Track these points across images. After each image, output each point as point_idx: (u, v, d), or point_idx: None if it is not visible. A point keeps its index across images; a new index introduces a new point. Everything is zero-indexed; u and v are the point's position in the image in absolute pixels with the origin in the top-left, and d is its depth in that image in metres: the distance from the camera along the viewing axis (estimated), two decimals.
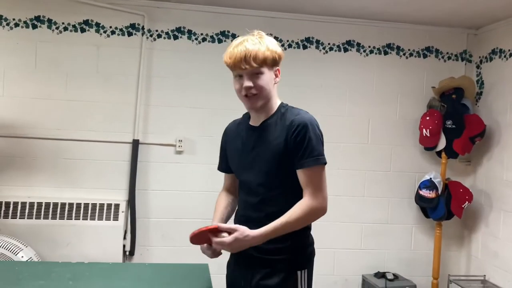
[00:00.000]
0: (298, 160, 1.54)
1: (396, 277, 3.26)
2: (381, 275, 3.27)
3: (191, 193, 3.21)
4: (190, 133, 3.21)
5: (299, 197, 1.56)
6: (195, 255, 3.03)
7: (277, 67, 1.61)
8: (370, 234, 3.41)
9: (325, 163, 1.56)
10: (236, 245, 1.47)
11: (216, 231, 1.50)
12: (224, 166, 1.82)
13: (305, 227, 1.59)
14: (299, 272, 1.58)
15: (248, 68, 1.52)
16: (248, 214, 1.63)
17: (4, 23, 3.01)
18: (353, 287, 3.37)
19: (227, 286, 1.75)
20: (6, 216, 2.90)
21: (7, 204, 2.92)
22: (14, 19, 3.02)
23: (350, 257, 3.34)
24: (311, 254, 1.65)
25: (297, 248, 1.59)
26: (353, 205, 3.37)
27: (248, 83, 1.54)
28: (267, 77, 1.56)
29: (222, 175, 3.35)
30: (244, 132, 1.69)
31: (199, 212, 3.19)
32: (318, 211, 1.54)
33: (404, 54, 3.45)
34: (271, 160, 1.56)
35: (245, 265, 1.62)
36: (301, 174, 1.54)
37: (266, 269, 1.57)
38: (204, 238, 1.53)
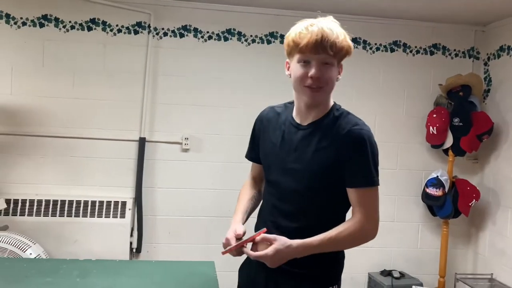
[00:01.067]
0: (351, 177, 1.37)
1: (402, 275, 3.25)
2: (387, 273, 3.26)
3: (198, 190, 3.22)
4: (196, 131, 3.22)
5: (336, 215, 1.43)
6: (202, 252, 3.07)
7: (341, 63, 1.43)
8: (379, 232, 3.39)
9: (378, 184, 1.40)
10: (278, 257, 1.31)
11: (252, 240, 1.36)
12: (253, 155, 1.61)
13: None
14: None
15: (321, 54, 1.32)
16: (277, 221, 1.44)
17: (12, 22, 3.03)
18: (359, 285, 3.38)
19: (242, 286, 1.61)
20: (14, 213, 2.93)
21: (16, 201, 2.95)
22: (21, 18, 3.04)
23: (356, 255, 3.29)
24: (340, 269, 1.51)
25: (329, 263, 1.44)
26: None
27: (317, 72, 1.33)
28: (335, 70, 1.39)
29: (228, 173, 3.37)
30: (286, 126, 1.47)
31: (206, 209, 3.21)
32: (369, 235, 1.39)
33: (410, 51, 3.43)
34: (315, 169, 1.38)
35: (267, 272, 1.43)
36: (353, 193, 1.38)
37: (293, 282, 1.42)
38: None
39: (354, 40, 3.37)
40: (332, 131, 1.39)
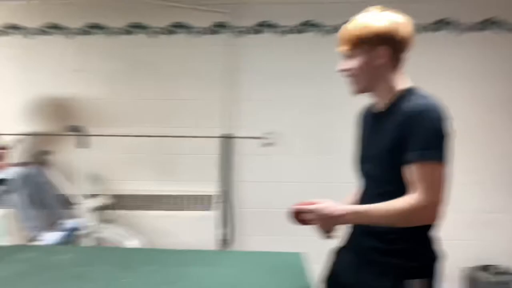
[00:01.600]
0: (404, 155, 1.30)
1: (504, 271, 3.02)
2: (485, 268, 3.06)
3: (283, 183, 3.26)
4: (278, 125, 3.25)
5: None
6: (291, 244, 3.07)
7: (382, 46, 1.36)
8: (473, 224, 3.18)
9: (437, 159, 1.26)
10: (325, 212, 1.39)
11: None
12: None
13: (424, 226, 1.37)
14: (406, 282, 1.36)
15: (343, 50, 1.45)
16: None
17: (103, 31, 3.29)
18: (454, 280, 3.20)
19: (332, 272, 1.64)
20: (118, 207, 3.21)
21: (118, 196, 3.23)
22: (112, 27, 3.29)
23: (450, 248, 3.13)
24: (430, 261, 1.44)
25: (409, 253, 1.38)
26: (454, 193, 3.15)
27: (340, 66, 1.47)
28: (360, 59, 1.40)
29: (311, 166, 3.36)
30: (369, 118, 1.55)
31: (291, 202, 3.23)
32: (421, 213, 1.28)
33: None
34: (379, 152, 1.39)
35: (355, 255, 1.52)
36: (406, 172, 1.30)
37: (368, 266, 1.44)
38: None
39: (440, 21, 3.16)
40: (396, 114, 1.36)
